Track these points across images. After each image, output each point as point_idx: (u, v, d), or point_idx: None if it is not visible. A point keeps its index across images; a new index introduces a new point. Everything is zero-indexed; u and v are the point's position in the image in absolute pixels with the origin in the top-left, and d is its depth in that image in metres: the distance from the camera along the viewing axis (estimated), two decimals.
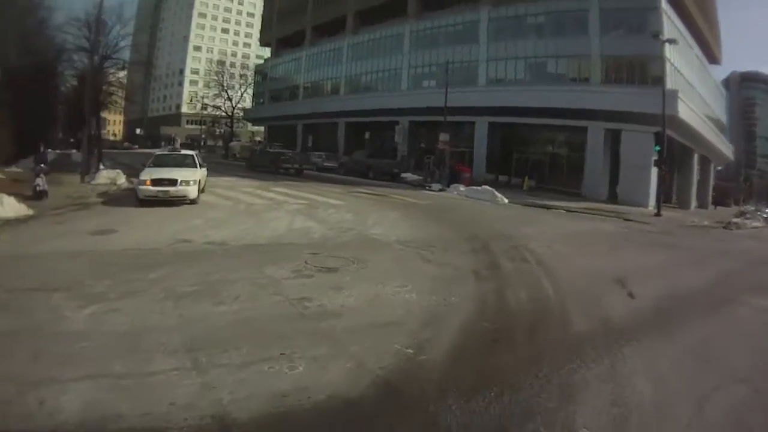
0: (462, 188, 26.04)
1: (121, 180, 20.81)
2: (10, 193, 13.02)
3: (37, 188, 15.25)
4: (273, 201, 16.73)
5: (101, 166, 23.63)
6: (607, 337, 5.98)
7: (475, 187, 25.39)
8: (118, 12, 37.93)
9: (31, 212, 12.43)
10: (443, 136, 31.37)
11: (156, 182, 14.48)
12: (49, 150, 24.88)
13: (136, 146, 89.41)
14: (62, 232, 10.29)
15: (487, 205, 21.38)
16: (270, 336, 5.28)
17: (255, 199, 17.14)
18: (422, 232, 12.62)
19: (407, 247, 10.49)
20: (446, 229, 13.40)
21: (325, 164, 40.77)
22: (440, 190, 26.78)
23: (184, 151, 18.67)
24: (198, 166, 16.65)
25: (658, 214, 24.40)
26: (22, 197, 13.64)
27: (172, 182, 14.55)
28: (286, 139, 60.95)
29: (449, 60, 37.27)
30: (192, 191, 14.80)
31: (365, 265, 8.69)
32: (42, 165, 16.22)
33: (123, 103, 51.17)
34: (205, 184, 17.15)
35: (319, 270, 8.10)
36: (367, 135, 47.33)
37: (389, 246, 10.60)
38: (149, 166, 15.83)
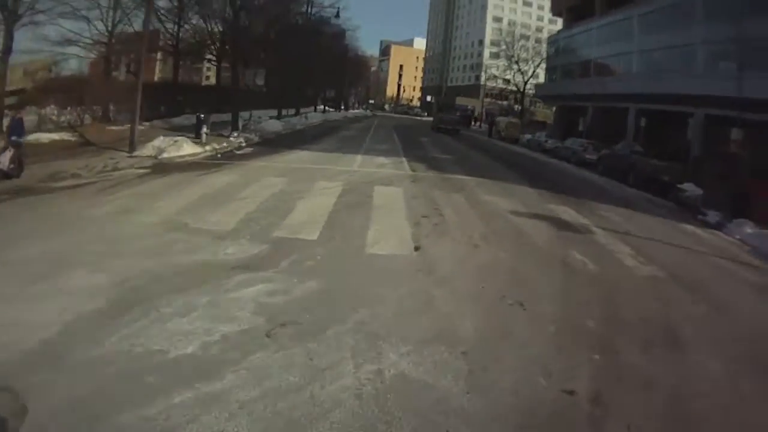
0: (750, 230, 16.08)
1: (176, 152, 17.28)
2: None
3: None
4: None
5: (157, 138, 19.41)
6: None
7: None
8: None
9: None
10: (736, 133, 22.45)
11: None
12: None
13: (425, 114, 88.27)
14: None
15: None
16: None
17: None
18: None
19: None
20: None
21: (587, 157, 33.15)
22: (716, 226, 17.46)
23: None
24: None
25: None
26: None
27: None
28: (575, 121, 55.43)
29: (751, 35, 27.55)
30: None
31: None
32: (13, 138, 12.72)
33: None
34: None
35: None
36: (642, 122, 38.11)
37: None
38: None
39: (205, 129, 21.22)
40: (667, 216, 18.31)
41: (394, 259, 8.64)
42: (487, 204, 14.62)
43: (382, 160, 22.00)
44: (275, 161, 18.47)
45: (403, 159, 23.05)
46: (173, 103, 31.12)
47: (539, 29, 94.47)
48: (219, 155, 18.66)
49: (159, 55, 41.38)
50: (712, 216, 18.81)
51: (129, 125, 18.82)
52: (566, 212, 14.98)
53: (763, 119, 26.69)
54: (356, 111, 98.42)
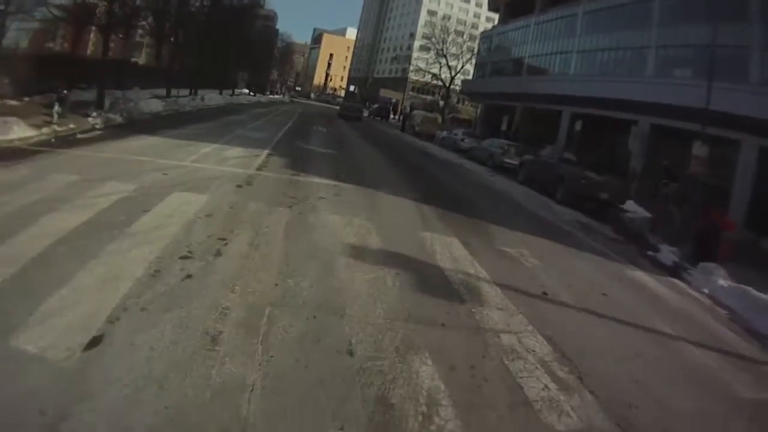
0: (722, 281, 10.77)
1: (3, 135, 12.97)
2: None
3: None
4: None
5: None
6: None
7: (752, 293, 9.77)
8: None
9: None
10: (699, 149, 17.29)
11: None
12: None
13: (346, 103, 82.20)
14: None
15: None
16: None
17: None
18: None
19: None
20: None
21: (506, 161, 27.48)
22: (673, 270, 11.95)
23: None
24: None
25: None
26: None
27: None
28: (498, 121, 50.16)
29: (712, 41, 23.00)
30: None
31: None
32: None
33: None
34: None
35: None
36: (578, 125, 33.48)
37: None
38: None
39: (57, 108, 17.30)
40: (606, 252, 12.36)
41: (32, 367, 3.82)
42: (320, 231, 8.52)
43: (236, 152, 15.97)
44: (103, 150, 13.29)
45: (265, 152, 16.95)
46: (74, 76, 26.63)
47: (474, 26, 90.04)
48: (53, 140, 14.53)
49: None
50: (666, 253, 13.28)
51: (11, 99, 17.57)
52: (450, 249, 8.91)
53: (725, 136, 22.14)
54: (276, 96, 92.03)
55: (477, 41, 67.35)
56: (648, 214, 18.48)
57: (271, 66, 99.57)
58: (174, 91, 35.95)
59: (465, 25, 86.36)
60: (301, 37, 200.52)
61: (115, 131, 17.50)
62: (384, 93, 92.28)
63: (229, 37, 49.51)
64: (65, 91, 18.23)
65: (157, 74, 38.45)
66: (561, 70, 43.78)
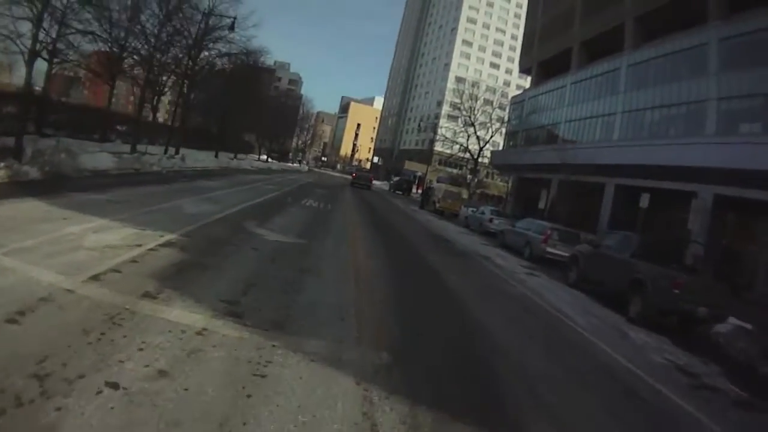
0: None
1: None
2: None
3: None
4: None
5: None
6: None
7: None
8: None
9: None
10: None
11: None
12: None
13: (358, 173, 75.99)
14: None
15: None
16: None
17: None
18: None
19: None
20: None
21: (550, 251, 21.36)
22: None
23: None
24: None
25: None
26: None
27: None
28: (536, 196, 46.05)
29: None
30: None
31: None
32: None
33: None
34: None
35: None
36: (644, 201, 26.87)
37: None
38: None
39: None
40: None
41: None
42: None
43: (117, 235, 8.91)
44: None
45: (166, 238, 9.88)
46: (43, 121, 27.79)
47: (504, 94, 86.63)
48: None
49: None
50: None
51: None
52: None
53: None
54: (293, 165, 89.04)
55: (507, 109, 63.76)
56: (744, 324, 13.13)
57: (294, 132, 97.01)
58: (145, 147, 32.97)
59: (494, 92, 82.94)
60: (330, 107, 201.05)
61: (9, 189, 13.26)
62: (409, 166, 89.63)
63: (232, 94, 46.38)
64: None
65: (159, 129, 38.59)
66: (603, 136, 39.00)
